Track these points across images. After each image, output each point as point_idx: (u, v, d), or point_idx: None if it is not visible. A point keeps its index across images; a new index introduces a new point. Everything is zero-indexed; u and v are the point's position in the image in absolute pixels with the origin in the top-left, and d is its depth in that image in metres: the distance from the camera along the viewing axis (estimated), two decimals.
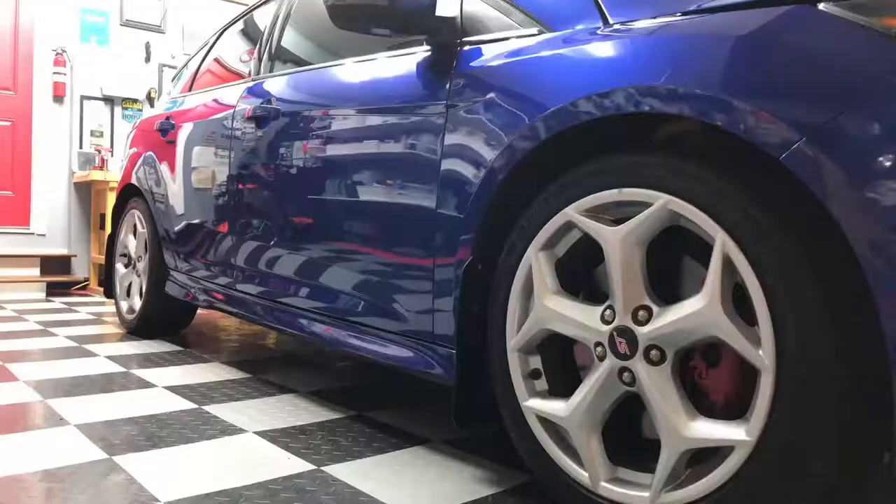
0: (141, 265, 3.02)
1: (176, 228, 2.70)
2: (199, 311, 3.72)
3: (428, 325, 1.48)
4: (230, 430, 1.67)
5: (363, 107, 1.69)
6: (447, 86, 1.44)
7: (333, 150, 1.77)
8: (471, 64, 1.41)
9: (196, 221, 2.54)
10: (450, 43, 1.49)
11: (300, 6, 2.32)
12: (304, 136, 1.90)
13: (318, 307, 1.87)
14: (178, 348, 2.76)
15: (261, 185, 2.10)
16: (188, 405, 1.89)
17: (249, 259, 2.19)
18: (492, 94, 1.33)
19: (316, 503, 1.24)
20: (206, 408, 1.86)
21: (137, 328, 2.99)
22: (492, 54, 1.38)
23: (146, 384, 2.13)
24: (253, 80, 2.37)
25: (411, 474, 1.41)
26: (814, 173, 0.85)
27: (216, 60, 2.89)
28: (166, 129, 2.84)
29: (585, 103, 1.12)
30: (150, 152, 2.98)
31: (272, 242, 2.04)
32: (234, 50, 2.77)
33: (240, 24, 2.84)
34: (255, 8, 2.73)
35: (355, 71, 1.80)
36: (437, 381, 1.46)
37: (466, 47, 1.45)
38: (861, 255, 0.82)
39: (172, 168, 2.75)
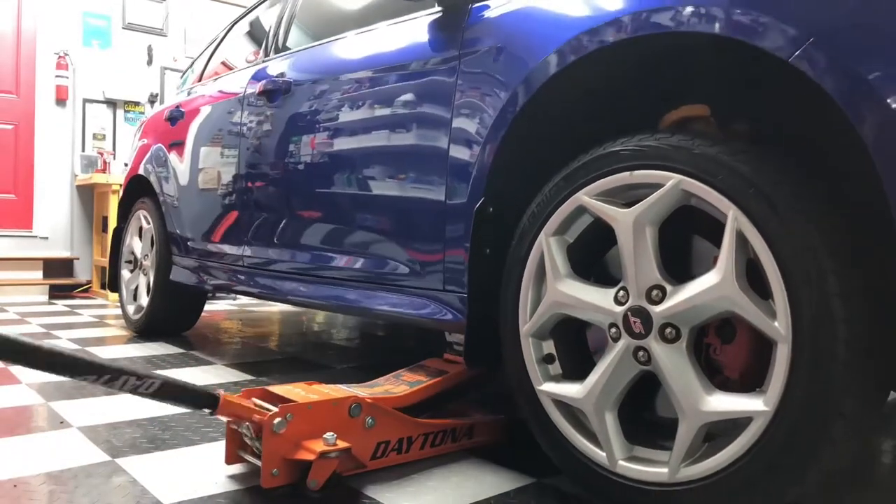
0: (147, 262, 3.03)
1: (187, 215, 2.70)
2: (203, 313, 3.71)
3: (440, 271, 1.51)
4: None
5: (375, 68, 1.75)
6: (459, 38, 1.50)
7: (346, 114, 1.83)
8: (481, 15, 1.48)
9: (208, 203, 2.54)
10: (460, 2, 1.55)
11: None
12: (316, 103, 1.94)
13: (336, 273, 1.88)
14: (182, 350, 2.73)
15: (278, 148, 2.11)
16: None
17: (264, 232, 2.18)
18: (504, 38, 1.38)
19: None
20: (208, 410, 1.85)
21: (144, 327, 2.99)
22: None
23: None
24: (263, 62, 2.39)
25: (414, 477, 1.39)
26: (824, 75, 0.86)
27: (224, 59, 2.91)
28: (175, 117, 2.86)
29: (588, 38, 1.16)
30: (160, 144, 2.98)
31: (284, 214, 2.05)
32: (242, 46, 2.78)
33: (249, 19, 2.86)
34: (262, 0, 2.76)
35: (361, 42, 1.87)
36: (449, 329, 1.50)
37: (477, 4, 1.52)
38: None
39: (181, 154, 2.75)
